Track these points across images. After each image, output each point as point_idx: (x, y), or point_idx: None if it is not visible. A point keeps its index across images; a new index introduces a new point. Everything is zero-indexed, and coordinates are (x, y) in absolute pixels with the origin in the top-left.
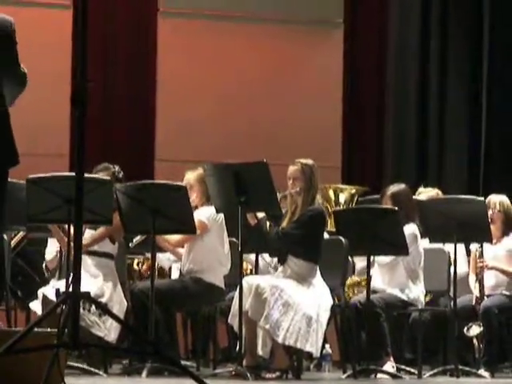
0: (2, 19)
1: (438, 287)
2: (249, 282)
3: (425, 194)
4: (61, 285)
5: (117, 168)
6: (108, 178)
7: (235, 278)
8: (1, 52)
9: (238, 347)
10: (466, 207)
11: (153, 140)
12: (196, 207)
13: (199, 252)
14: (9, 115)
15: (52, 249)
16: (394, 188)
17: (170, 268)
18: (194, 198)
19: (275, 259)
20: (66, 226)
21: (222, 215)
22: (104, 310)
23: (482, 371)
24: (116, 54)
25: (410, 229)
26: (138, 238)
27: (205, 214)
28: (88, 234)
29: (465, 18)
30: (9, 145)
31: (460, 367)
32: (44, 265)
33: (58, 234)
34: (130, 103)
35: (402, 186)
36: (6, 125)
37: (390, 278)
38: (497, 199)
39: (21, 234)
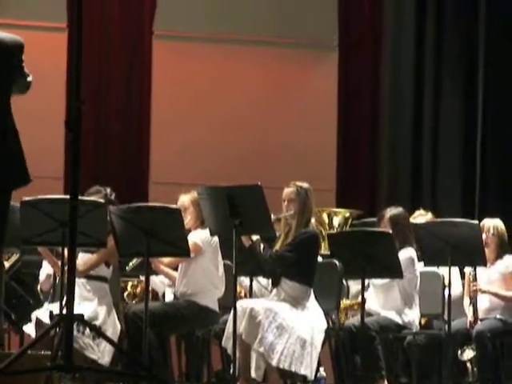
0: (10, 41)
1: (432, 310)
2: (243, 305)
3: (420, 216)
4: (54, 307)
5: (108, 190)
6: (102, 200)
7: (229, 300)
8: (9, 74)
9: (231, 370)
10: (460, 231)
11: (148, 162)
12: (190, 230)
13: (193, 275)
14: (18, 135)
15: (45, 271)
16: (393, 211)
17: (164, 293)
18: (188, 220)
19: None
20: (59, 249)
21: (216, 238)
22: (98, 332)
23: None
24: (111, 77)
25: (408, 253)
26: (134, 262)
27: (199, 237)
28: (81, 260)
29: (459, 41)
30: (16, 164)
31: None
32: (39, 288)
33: (49, 257)
34: (124, 126)
35: (400, 209)
36: (14, 144)
37: (384, 301)
38: (491, 223)
39: (15, 256)
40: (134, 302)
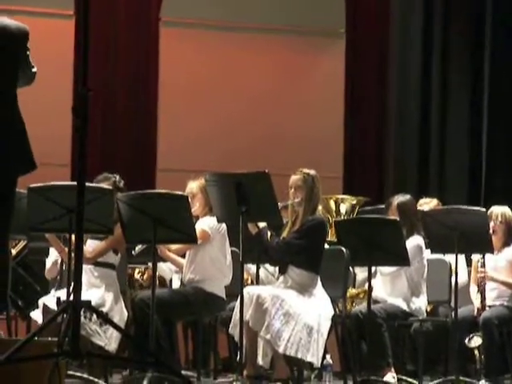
0: (17, 28)
1: (438, 297)
2: (250, 292)
3: (428, 205)
4: (62, 294)
5: (117, 177)
6: (110, 187)
7: (236, 287)
8: (16, 62)
9: (238, 357)
10: (467, 218)
11: (155, 150)
12: (198, 217)
13: (201, 262)
14: (23, 122)
15: (52, 258)
16: (400, 199)
17: (171, 280)
18: (196, 207)
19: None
20: (66, 236)
21: (224, 225)
22: (105, 319)
23: (482, 382)
24: (118, 64)
25: (416, 241)
26: (140, 246)
27: (208, 224)
28: (90, 247)
29: (466, 28)
30: (22, 151)
31: (461, 378)
32: (46, 275)
33: (56, 244)
34: (131, 113)
35: (408, 196)
36: (20, 132)
37: (391, 289)
38: (498, 210)
39: (22, 243)
40: (140, 289)
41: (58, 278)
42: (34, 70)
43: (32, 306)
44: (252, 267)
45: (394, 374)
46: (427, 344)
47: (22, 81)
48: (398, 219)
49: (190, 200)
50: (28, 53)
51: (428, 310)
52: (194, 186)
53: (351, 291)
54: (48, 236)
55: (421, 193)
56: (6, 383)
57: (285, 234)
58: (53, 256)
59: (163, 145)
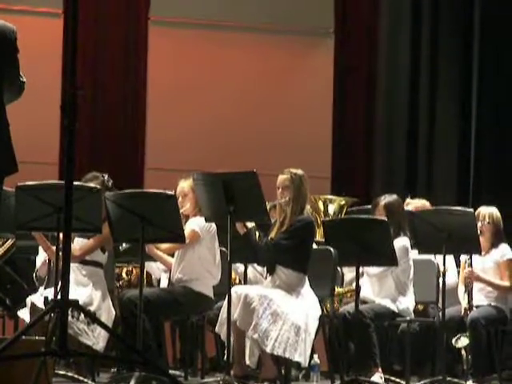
0: (4, 26)
1: (426, 298)
2: (237, 291)
3: (412, 205)
4: (49, 293)
5: (106, 176)
6: (98, 186)
7: (224, 287)
8: (3, 59)
9: (225, 356)
10: (455, 219)
11: (143, 149)
12: (188, 216)
13: (190, 261)
14: (9, 125)
15: (42, 257)
16: (387, 199)
17: (159, 279)
18: (187, 207)
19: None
20: (54, 234)
21: (214, 225)
22: (92, 318)
23: (469, 382)
24: (106, 62)
25: (402, 241)
26: (126, 244)
27: (198, 224)
28: (77, 245)
29: (455, 28)
30: (7, 153)
31: (448, 378)
32: (35, 274)
33: (43, 242)
34: (120, 112)
35: (394, 196)
36: (6, 134)
37: (379, 289)
38: (486, 211)
39: (9, 241)
40: (128, 287)
41: (46, 276)
42: (23, 79)
43: (20, 305)
44: (240, 267)
45: (382, 374)
46: (414, 344)
47: (10, 94)
48: (386, 219)
49: (180, 199)
50: (18, 55)
51: (420, 309)
52: (185, 186)
53: (338, 289)
54: (35, 234)
55: (409, 193)
56: None
57: (273, 233)
58: (42, 254)
59: (152, 144)
